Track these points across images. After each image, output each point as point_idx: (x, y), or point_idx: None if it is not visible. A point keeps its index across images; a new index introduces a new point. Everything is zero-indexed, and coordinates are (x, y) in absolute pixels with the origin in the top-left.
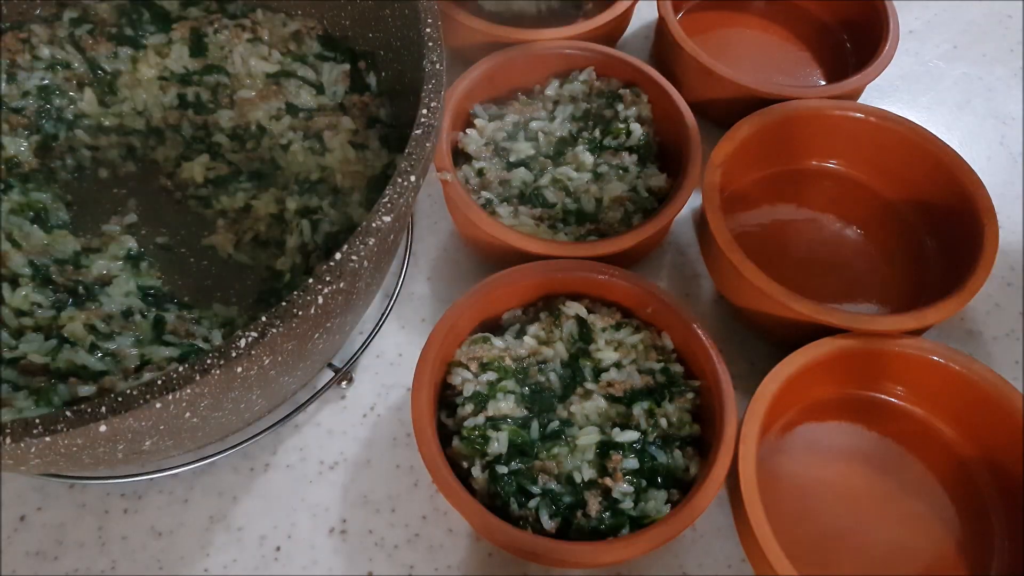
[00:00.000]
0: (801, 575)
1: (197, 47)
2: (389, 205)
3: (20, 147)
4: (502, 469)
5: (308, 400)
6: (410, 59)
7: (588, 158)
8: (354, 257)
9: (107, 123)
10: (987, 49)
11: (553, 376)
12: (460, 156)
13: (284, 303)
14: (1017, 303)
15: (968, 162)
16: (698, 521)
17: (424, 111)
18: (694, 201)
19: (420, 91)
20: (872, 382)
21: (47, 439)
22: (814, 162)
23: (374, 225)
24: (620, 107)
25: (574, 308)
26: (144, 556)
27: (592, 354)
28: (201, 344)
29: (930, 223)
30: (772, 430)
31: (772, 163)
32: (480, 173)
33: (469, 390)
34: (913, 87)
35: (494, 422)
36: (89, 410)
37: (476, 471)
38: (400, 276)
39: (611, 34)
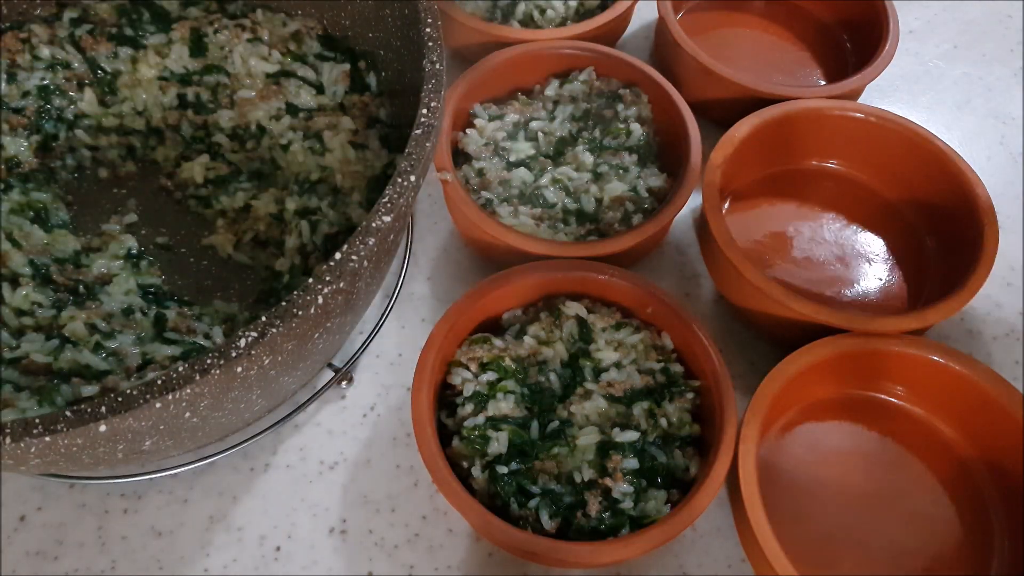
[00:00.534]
0: (801, 575)
1: (197, 47)
2: (389, 205)
3: (20, 147)
4: (502, 469)
5: (308, 400)
6: (410, 59)
7: (588, 158)
8: (354, 257)
9: (107, 123)
10: (987, 49)
11: (553, 376)
12: (460, 156)
13: (284, 303)
14: (1017, 303)
15: (968, 162)
16: (698, 521)
17: (424, 111)
18: (694, 201)
19: (420, 91)
20: (872, 382)
21: (47, 439)
22: (814, 162)
23: (374, 225)
24: (620, 107)
25: (574, 308)
26: (144, 556)
27: (592, 354)
28: (202, 341)
29: (930, 223)
30: (772, 430)
31: (772, 163)
32: (480, 173)
33: (469, 390)
34: (913, 87)
35: (494, 422)
36: (89, 410)
37: (476, 471)
38: (400, 276)
39: (611, 34)
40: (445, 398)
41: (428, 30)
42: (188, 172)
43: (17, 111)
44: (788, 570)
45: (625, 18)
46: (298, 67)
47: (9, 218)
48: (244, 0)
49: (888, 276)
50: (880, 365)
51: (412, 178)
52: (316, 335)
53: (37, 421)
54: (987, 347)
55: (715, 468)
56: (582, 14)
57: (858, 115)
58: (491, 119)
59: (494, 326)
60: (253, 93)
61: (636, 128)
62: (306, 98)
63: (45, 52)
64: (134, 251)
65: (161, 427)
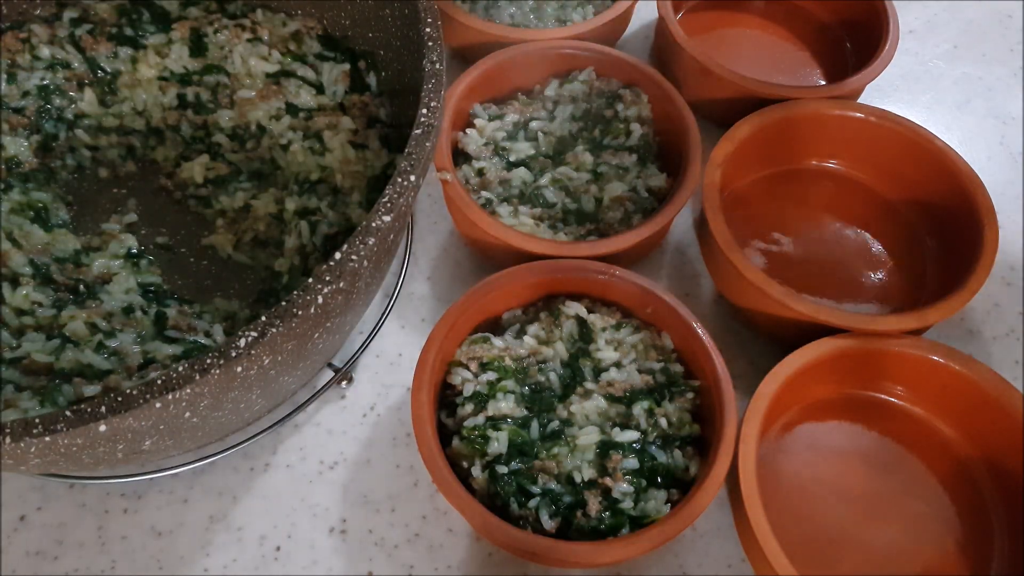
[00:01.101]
0: (801, 575)
1: (197, 47)
2: (389, 205)
3: (20, 147)
4: (502, 469)
5: (308, 400)
6: (410, 59)
7: (588, 158)
8: (354, 257)
9: (107, 123)
10: (987, 49)
11: (553, 376)
12: (460, 156)
13: (284, 302)
14: (1017, 303)
15: (968, 162)
16: (698, 521)
17: (424, 111)
18: (694, 201)
19: (420, 91)
20: (872, 382)
21: (47, 439)
22: (814, 162)
23: (374, 225)
24: (620, 107)
25: (574, 308)
26: (144, 556)
27: (592, 354)
28: (203, 340)
29: (930, 223)
30: (772, 430)
31: (772, 163)
32: (480, 173)
33: (469, 390)
34: (913, 87)
35: (494, 422)
36: (89, 410)
37: (476, 471)
38: (400, 276)
39: (611, 34)
40: (445, 398)
41: (428, 30)
42: (188, 172)
43: (17, 111)
44: (788, 570)
45: (625, 18)
46: (298, 67)
47: (9, 218)
48: (244, 0)
49: (888, 276)
50: (880, 365)
51: (412, 178)
52: (316, 335)
53: (37, 421)
54: (987, 347)
55: (715, 468)
56: None
57: (858, 115)
58: (491, 119)
59: (494, 326)
60: (253, 93)
61: (636, 128)
62: (306, 98)
63: (45, 52)
64: (134, 250)
65: (161, 427)
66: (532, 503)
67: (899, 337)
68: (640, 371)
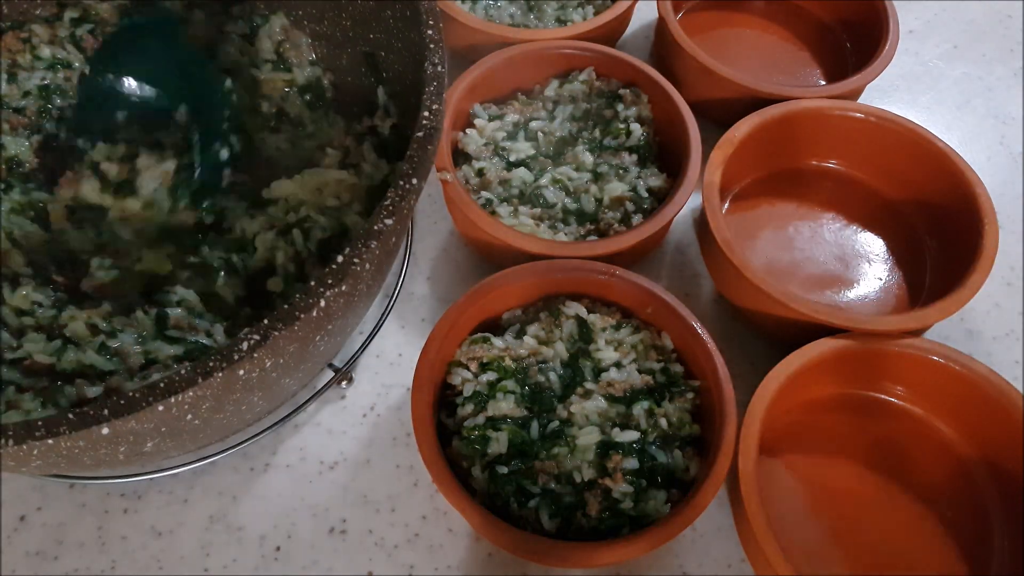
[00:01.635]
0: (801, 575)
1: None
2: (391, 208)
3: (21, 147)
4: (502, 469)
5: (308, 400)
6: (411, 60)
7: (588, 158)
8: (356, 260)
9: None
10: (987, 49)
11: (553, 376)
12: (460, 156)
13: (286, 305)
14: (1017, 303)
15: (968, 162)
16: (698, 521)
17: (426, 113)
18: (694, 201)
19: (422, 92)
20: (872, 382)
21: (49, 441)
22: (814, 162)
23: (376, 228)
24: (620, 107)
25: (574, 308)
26: (144, 556)
27: (592, 354)
28: (204, 340)
29: (930, 223)
30: (772, 430)
31: (772, 163)
32: (480, 173)
33: (469, 390)
34: (913, 87)
35: (494, 422)
36: (91, 413)
37: (476, 471)
38: (400, 276)
39: (611, 34)
40: (445, 398)
41: (430, 32)
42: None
43: (18, 111)
44: (788, 570)
45: (625, 18)
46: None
47: (9, 218)
48: (248, 1)
49: (888, 276)
50: (880, 365)
51: (414, 181)
52: (318, 337)
53: (39, 423)
54: (987, 347)
55: (715, 468)
56: None
57: (858, 115)
58: (491, 119)
59: (494, 326)
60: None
61: (636, 128)
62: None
63: (46, 52)
64: None
65: (163, 429)
66: (532, 503)
67: (899, 337)
68: (640, 371)
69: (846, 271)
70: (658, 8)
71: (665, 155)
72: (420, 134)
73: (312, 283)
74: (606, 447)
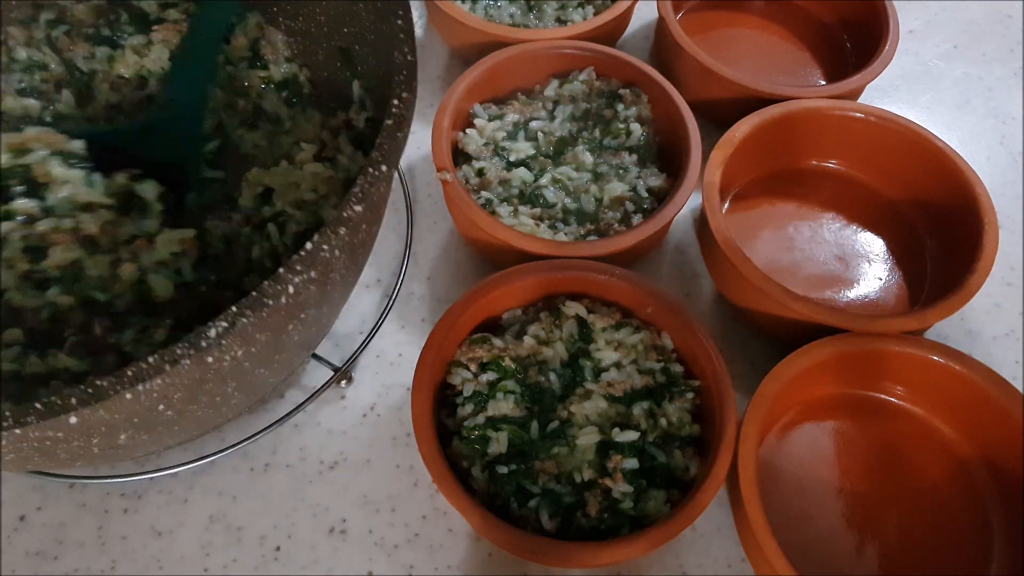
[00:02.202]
0: (801, 575)
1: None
2: (360, 195)
3: None
4: (502, 469)
5: (308, 400)
6: (384, 52)
7: (588, 158)
8: (325, 247)
9: (86, 124)
10: (987, 49)
11: (553, 376)
12: (460, 156)
13: (254, 292)
14: (1017, 303)
15: (968, 162)
16: (698, 521)
17: (395, 101)
18: (694, 201)
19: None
20: (872, 382)
21: (17, 431)
22: (814, 162)
23: (345, 215)
24: (620, 107)
25: (574, 308)
26: (144, 556)
27: (592, 354)
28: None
29: (930, 223)
30: (772, 430)
31: (772, 163)
32: (480, 173)
33: (469, 390)
34: (913, 87)
35: (494, 422)
36: (59, 402)
37: (476, 471)
38: (400, 276)
39: (611, 34)
40: (445, 398)
41: (400, 22)
42: None
43: None
44: (788, 570)
45: (625, 18)
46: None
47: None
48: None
49: (888, 276)
50: (880, 365)
51: (383, 168)
52: (290, 327)
53: (7, 414)
54: (987, 347)
55: (715, 468)
56: None
57: (858, 115)
58: (491, 119)
59: (494, 326)
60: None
61: (636, 128)
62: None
63: (22, 54)
64: None
65: (135, 420)
66: (532, 503)
67: (899, 337)
68: (640, 371)
69: (846, 271)
70: (658, 8)
71: (665, 155)
72: (390, 122)
73: (281, 270)
74: (606, 447)
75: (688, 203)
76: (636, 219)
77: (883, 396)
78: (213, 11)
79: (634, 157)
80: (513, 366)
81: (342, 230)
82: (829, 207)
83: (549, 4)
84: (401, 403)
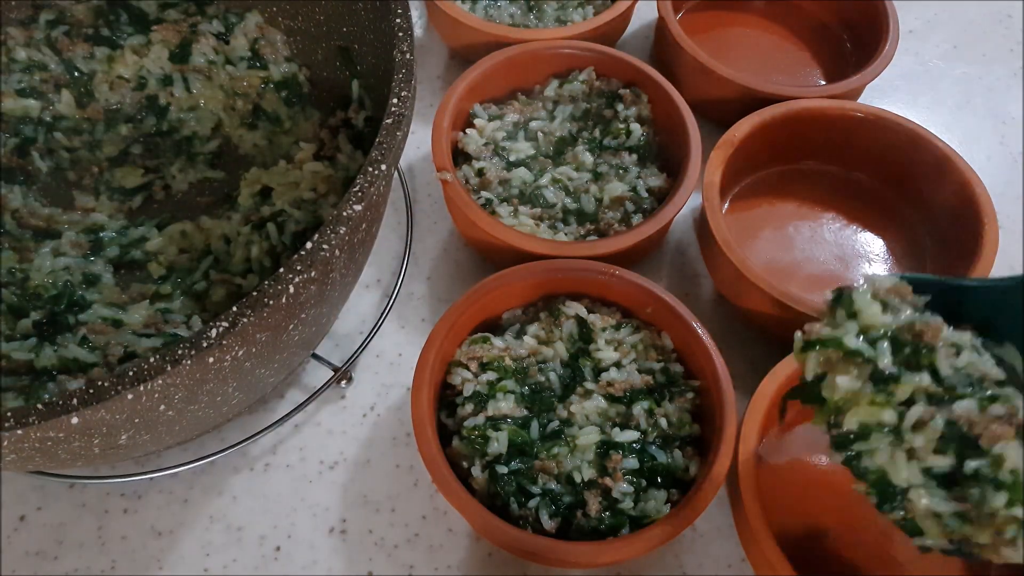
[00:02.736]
0: (801, 575)
1: (181, 55)
2: (360, 194)
3: None
4: (502, 469)
5: (308, 400)
6: (383, 51)
7: (588, 158)
8: (325, 246)
9: (85, 125)
10: (987, 49)
11: (553, 376)
12: (460, 156)
13: (255, 292)
14: None
15: (968, 162)
16: (698, 521)
17: (395, 100)
18: (694, 201)
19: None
20: None
21: (19, 432)
22: (814, 162)
23: (345, 214)
24: (620, 107)
25: (574, 308)
26: (144, 556)
27: (592, 354)
28: (184, 333)
29: (930, 223)
30: (772, 430)
31: (772, 163)
32: (480, 173)
33: (469, 390)
34: (913, 87)
35: (494, 422)
36: (61, 402)
37: (476, 471)
38: (400, 276)
39: (611, 34)
40: (445, 398)
41: (399, 20)
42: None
43: None
44: (788, 570)
45: (625, 18)
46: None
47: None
48: (221, 1)
49: None
50: None
51: (383, 167)
52: (290, 326)
53: (9, 415)
54: None
55: (715, 468)
56: None
57: (858, 115)
58: (491, 119)
59: (494, 326)
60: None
61: (636, 128)
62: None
63: (22, 55)
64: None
65: (136, 420)
66: (532, 503)
67: None
68: (640, 371)
69: (846, 271)
70: (658, 8)
71: (665, 155)
72: (389, 121)
73: (281, 270)
74: (606, 447)
75: (688, 203)
76: (636, 219)
77: None
78: None
79: (634, 157)
80: (513, 366)
81: (342, 229)
82: (829, 207)
83: (549, 4)
84: (401, 403)
